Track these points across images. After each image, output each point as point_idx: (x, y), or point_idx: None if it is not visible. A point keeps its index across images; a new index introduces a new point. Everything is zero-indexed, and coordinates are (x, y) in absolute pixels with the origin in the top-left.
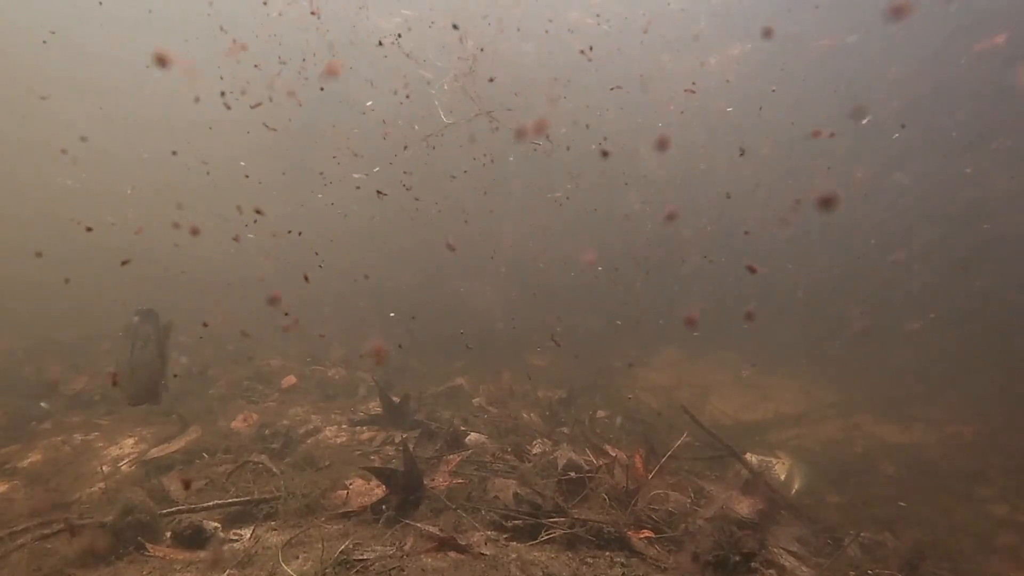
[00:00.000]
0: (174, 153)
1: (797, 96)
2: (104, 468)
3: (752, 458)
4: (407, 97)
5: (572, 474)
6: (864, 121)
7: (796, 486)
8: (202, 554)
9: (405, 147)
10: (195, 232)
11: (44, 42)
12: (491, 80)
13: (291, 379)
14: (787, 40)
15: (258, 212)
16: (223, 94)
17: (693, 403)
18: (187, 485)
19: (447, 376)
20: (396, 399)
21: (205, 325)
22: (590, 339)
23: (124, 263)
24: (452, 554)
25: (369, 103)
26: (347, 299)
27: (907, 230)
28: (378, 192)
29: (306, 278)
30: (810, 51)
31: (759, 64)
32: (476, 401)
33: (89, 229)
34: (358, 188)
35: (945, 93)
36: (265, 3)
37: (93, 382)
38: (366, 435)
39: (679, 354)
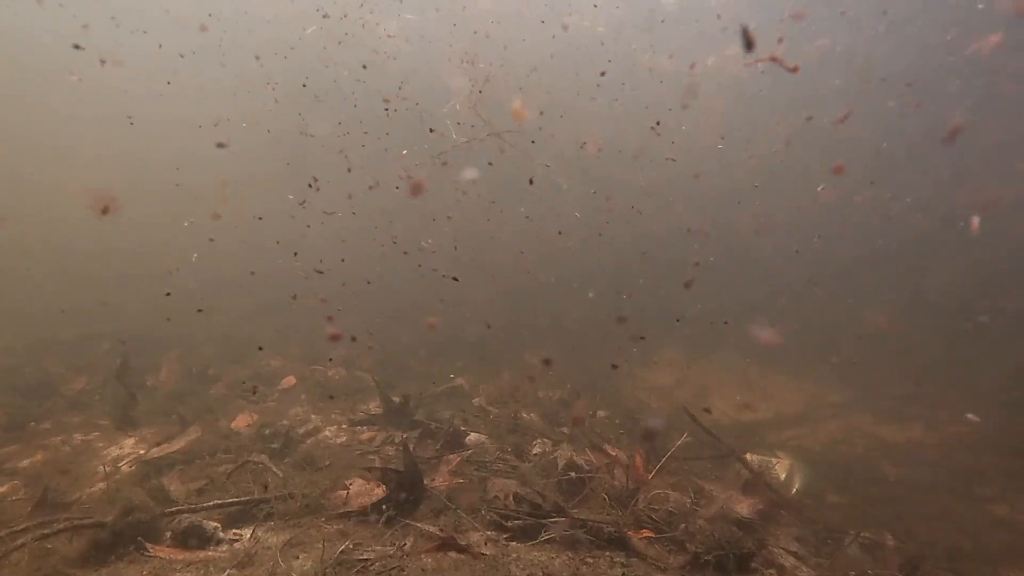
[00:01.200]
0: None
1: (795, 97)
2: (104, 468)
3: (752, 458)
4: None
5: (572, 474)
6: (819, 189)
7: (796, 486)
8: (202, 554)
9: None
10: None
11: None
12: (520, 89)
13: (291, 379)
14: (785, 41)
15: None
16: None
17: (693, 403)
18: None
19: (447, 376)
20: (396, 399)
21: (260, 349)
22: (590, 339)
23: (200, 311)
24: (452, 554)
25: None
26: (348, 299)
27: (906, 230)
28: (454, 278)
29: (353, 338)
30: (809, 51)
31: (758, 65)
32: (476, 401)
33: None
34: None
35: (943, 92)
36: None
37: (93, 382)
38: (366, 435)
39: (679, 354)
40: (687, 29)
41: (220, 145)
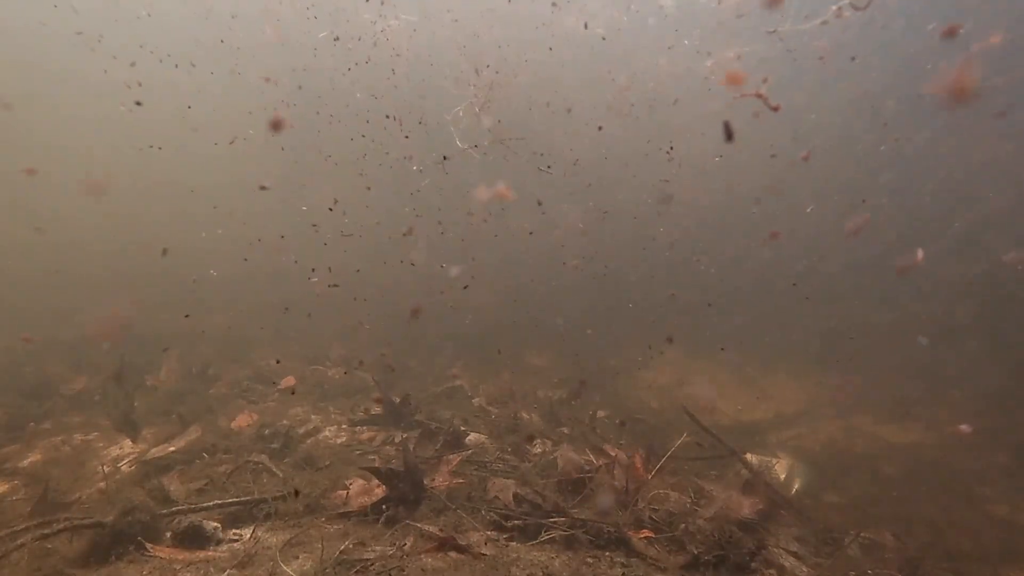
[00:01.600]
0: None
1: (791, 97)
2: (104, 468)
3: (752, 458)
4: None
5: (572, 474)
6: (808, 210)
7: (796, 486)
8: (202, 554)
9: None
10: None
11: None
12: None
13: (291, 379)
14: (783, 42)
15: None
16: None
17: (693, 403)
18: (296, 493)
19: (447, 376)
20: (396, 399)
21: (277, 362)
22: (590, 339)
23: (229, 328)
24: (452, 554)
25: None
26: (347, 298)
27: (906, 230)
28: (464, 286)
29: (392, 368)
30: (806, 53)
31: (755, 66)
32: (476, 401)
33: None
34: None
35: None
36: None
37: (93, 382)
38: (366, 435)
39: (679, 354)
40: (688, 37)
41: (263, 188)
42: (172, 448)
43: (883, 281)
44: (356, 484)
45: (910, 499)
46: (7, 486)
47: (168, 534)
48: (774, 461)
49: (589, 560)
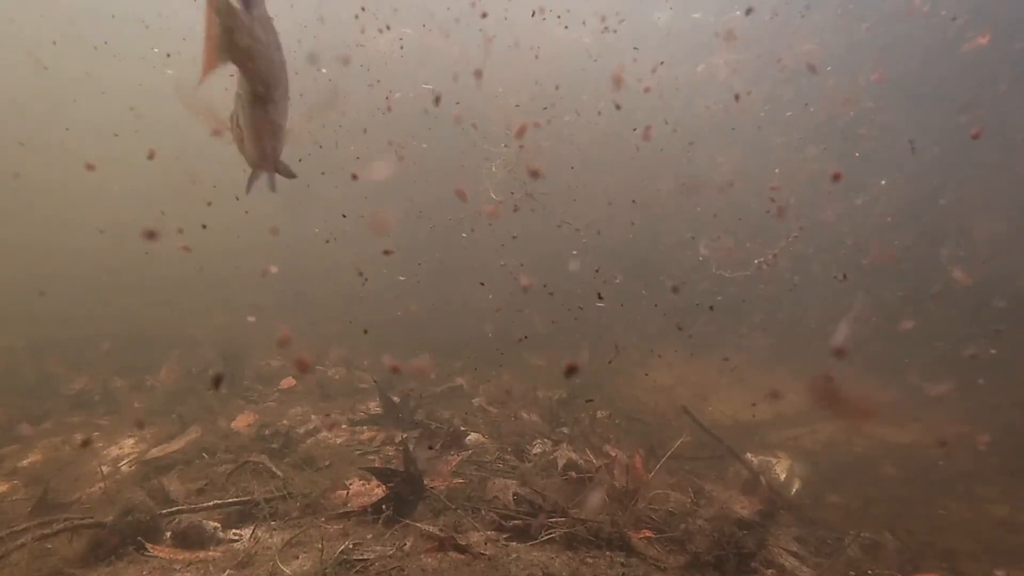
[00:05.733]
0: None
1: (786, 98)
2: (104, 468)
3: (752, 458)
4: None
5: (572, 474)
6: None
7: (796, 486)
8: (202, 554)
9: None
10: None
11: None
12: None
13: (291, 380)
14: (775, 45)
15: None
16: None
17: (693, 403)
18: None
19: (447, 376)
20: (396, 399)
21: (293, 374)
22: (590, 339)
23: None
24: (452, 554)
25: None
26: (347, 298)
27: (904, 228)
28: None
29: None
30: (798, 55)
31: (748, 70)
32: (476, 401)
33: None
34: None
35: (929, 92)
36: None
37: (93, 382)
38: (366, 435)
39: (679, 354)
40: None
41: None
42: (172, 448)
43: (884, 282)
44: (356, 484)
45: (910, 499)
46: (7, 486)
47: (168, 534)
48: (774, 461)
49: (589, 560)
